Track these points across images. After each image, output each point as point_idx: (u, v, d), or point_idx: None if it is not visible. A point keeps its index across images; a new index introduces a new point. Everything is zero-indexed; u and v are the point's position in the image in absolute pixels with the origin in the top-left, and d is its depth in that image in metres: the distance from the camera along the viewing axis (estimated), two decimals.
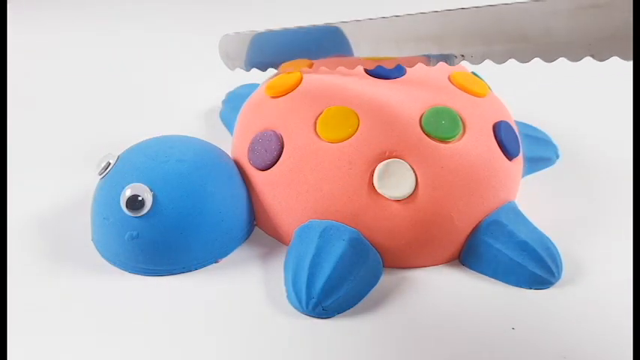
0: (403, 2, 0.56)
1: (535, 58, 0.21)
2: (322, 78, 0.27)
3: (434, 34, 0.23)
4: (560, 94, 0.40)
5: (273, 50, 0.28)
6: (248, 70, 0.30)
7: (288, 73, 0.28)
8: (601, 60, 0.20)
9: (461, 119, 0.25)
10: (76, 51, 0.49)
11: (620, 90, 0.38)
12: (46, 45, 0.51)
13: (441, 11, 0.23)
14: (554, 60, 0.21)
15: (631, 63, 0.19)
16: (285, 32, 0.28)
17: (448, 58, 0.23)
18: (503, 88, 0.30)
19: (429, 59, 0.24)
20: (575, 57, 0.20)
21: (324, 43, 0.27)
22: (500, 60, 0.22)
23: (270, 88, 0.28)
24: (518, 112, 0.30)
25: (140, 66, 0.46)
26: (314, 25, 0.27)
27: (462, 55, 0.23)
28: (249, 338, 0.22)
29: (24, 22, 0.56)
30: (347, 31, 0.26)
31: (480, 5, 0.22)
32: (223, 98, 0.37)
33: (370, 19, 0.25)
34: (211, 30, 0.54)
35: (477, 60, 0.23)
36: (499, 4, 0.21)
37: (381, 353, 0.21)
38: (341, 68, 0.27)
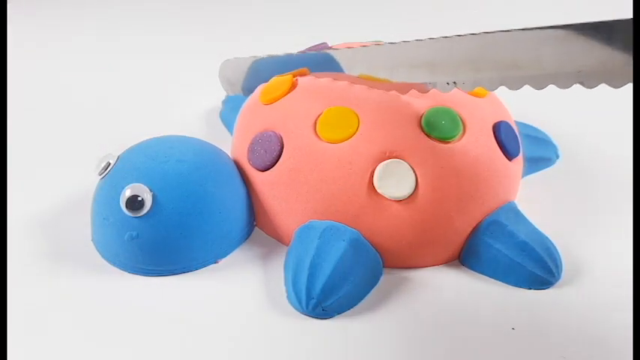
0: (396, 23, 0.56)
1: (525, 86, 0.21)
2: (321, 79, 0.27)
3: (426, 61, 0.23)
4: (559, 94, 0.40)
5: (268, 76, 0.28)
6: (247, 95, 0.30)
7: (281, 77, 0.28)
8: (590, 87, 0.20)
9: (461, 119, 0.25)
10: (76, 51, 0.49)
11: (619, 90, 0.38)
12: (46, 45, 0.51)
13: (433, 39, 0.23)
14: (544, 87, 0.21)
15: (630, 64, 0.19)
16: (282, 58, 0.28)
17: (440, 85, 0.24)
18: (503, 88, 0.30)
19: (424, 85, 0.24)
20: (564, 84, 0.21)
21: (318, 69, 0.27)
22: (491, 87, 0.22)
23: (264, 94, 0.28)
24: (518, 112, 0.30)
25: (140, 66, 0.46)
26: (309, 52, 0.27)
27: (454, 82, 0.23)
28: (249, 338, 0.22)
29: (24, 22, 0.56)
30: (340, 58, 0.26)
31: (472, 33, 0.22)
32: (223, 98, 0.37)
33: (364, 46, 0.25)
34: (212, 31, 0.55)
35: (467, 87, 0.23)
36: (490, 32, 0.21)
37: (381, 353, 0.21)
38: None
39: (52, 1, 0.61)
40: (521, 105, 0.31)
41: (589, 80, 0.20)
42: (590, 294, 0.24)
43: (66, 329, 0.22)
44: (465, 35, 0.22)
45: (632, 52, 0.19)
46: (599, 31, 0.19)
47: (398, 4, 0.61)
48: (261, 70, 0.29)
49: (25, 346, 0.21)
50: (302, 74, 0.28)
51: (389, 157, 0.24)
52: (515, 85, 0.22)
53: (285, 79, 0.27)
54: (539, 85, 0.21)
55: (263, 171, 0.26)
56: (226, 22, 0.57)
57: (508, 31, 0.21)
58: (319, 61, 0.27)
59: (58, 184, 0.30)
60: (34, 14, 0.58)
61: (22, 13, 0.57)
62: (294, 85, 0.27)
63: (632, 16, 0.19)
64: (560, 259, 0.24)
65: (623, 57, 0.19)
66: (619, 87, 0.20)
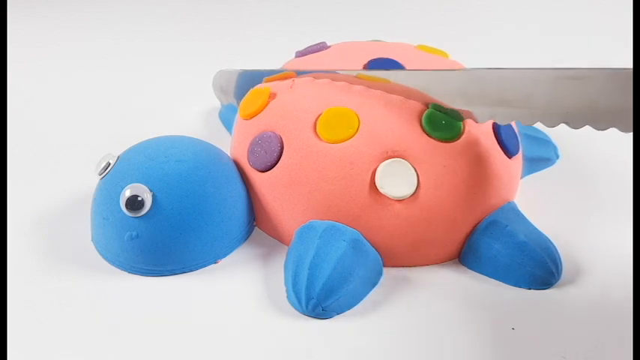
0: (394, 22, 0.56)
1: (514, 121, 0.23)
2: (319, 80, 0.27)
3: (422, 88, 0.25)
4: None
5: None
6: (238, 104, 0.30)
7: (259, 89, 0.28)
8: (575, 128, 0.21)
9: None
10: (75, 51, 0.49)
11: None
12: (46, 45, 0.51)
13: (431, 70, 0.25)
14: (532, 124, 0.22)
15: (631, 64, 0.20)
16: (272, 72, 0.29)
17: None
18: None
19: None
20: (551, 123, 0.22)
21: None
22: (481, 120, 0.24)
23: (242, 109, 0.28)
24: None
25: (140, 66, 0.46)
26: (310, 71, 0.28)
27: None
28: (249, 338, 0.22)
29: (24, 22, 0.55)
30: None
31: (468, 68, 0.23)
32: None
33: (365, 71, 0.26)
34: (211, 30, 0.55)
35: (460, 117, 0.24)
36: (485, 68, 0.23)
37: (381, 354, 0.21)
38: (337, 68, 0.27)
39: (53, 2, 0.60)
40: None
41: (574, 121, 0.21)
42: (590, 294, 0.24)
43: (65, 329, 0.22)
44: (461, 70, 0.23)
45: (616, 99, 0.20)
46: (588, 76, 0.20)
47: (396, 3, 0.61)
48: (254, 79, 0.30)
49: (23, 344, 0.21)
50: (288, 77, 0.28)
51: (390, 157, 0.24)
52: (504, 120, 0.23)
53: (262, 90, 0.27)
54: (527, 121, 0.22)
55: (263, 172, 0.26)
56: (225, 21, 0.57)
57: (501, 68, 0.22)
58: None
59: (59, 183, 0.30)
60: (34, 15, 0.58)
61: (22, 14, 0.57)
62: (271, 97, 0.27)
63: (618, 67, 0.20)
64: (560, 259, 0.24)
65: (608, 102, 0.20)
66: (603, 130, 0.21)
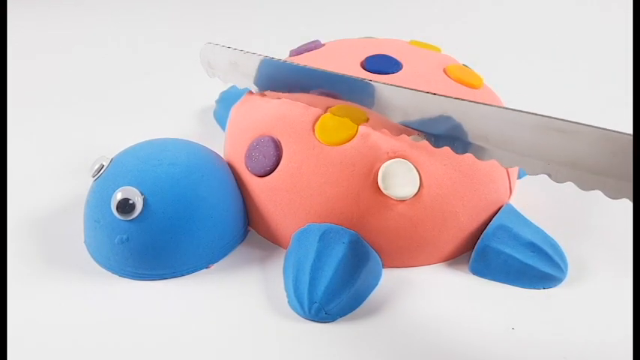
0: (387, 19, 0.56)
1: (493, 159, 0.21)
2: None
3: (403, 108, 0.23)
4: (560, 95, 0.40)
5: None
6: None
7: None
8: (557, 181, 0.20)
9: None
10: (70, 52, 0.49)
11: (620, 91, 0.38)
12: (40, 47, 0.50)
13: (413, 91, 0.23)
14: (512, 166, 0.21)
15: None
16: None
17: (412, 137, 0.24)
18: (504, 89, 0.30)
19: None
20: (532, 171, 0.20)
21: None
22: (459, 152, 0.22)
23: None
24: None
25: (134, 66, 0.46)
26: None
27: (425, 134, 0.23)
28: (248, 343, 0.22)
29: (21, 23, 0.55)
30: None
31: (454, 98, 0.22)
32: (217, 97, 0.36)
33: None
34: (205, 30, 0.54)
35: (438, 143, 0.23)
36: (467, 101, 0.21)
37: (384, 355, 0.21)
38: (335, 66, 0.27)
39: (47, 3, 0.60)
40: (521, 104, 0.31)
41: (557, 174, 0.20)
42: (590, 294, 0.24)
43: (54, 331, 0.22)
44: (445, 96, 0.22)
45: (605, 163, 0.19)
46: (575, 130, 0.19)
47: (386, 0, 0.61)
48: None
49: (16, 344, 0.21)
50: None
51: (391, 157, 0.24)
52: (483, 156, 0.22)
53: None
54: (508, 163, 0.21)
55: (262, 176, 0.25)
56: (220, 21, 0.57)
57: (484, 104, 0.21)
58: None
59: (54, 185, 0.30)
60: (32, 17, 0.58)
61: (21, 15, 0.57)
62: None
63: (596, 124, 0.19)
64: (564, 253, 0.24)
65: (595, 164, 0.19)
66: (587, 190, 0.19)
